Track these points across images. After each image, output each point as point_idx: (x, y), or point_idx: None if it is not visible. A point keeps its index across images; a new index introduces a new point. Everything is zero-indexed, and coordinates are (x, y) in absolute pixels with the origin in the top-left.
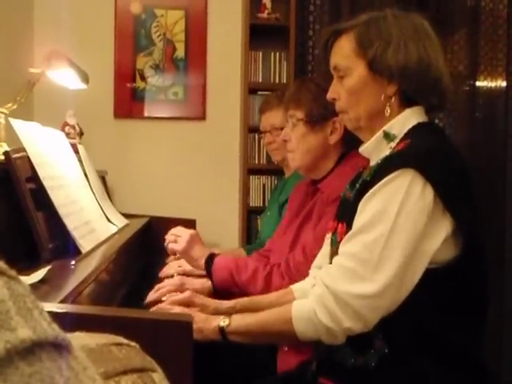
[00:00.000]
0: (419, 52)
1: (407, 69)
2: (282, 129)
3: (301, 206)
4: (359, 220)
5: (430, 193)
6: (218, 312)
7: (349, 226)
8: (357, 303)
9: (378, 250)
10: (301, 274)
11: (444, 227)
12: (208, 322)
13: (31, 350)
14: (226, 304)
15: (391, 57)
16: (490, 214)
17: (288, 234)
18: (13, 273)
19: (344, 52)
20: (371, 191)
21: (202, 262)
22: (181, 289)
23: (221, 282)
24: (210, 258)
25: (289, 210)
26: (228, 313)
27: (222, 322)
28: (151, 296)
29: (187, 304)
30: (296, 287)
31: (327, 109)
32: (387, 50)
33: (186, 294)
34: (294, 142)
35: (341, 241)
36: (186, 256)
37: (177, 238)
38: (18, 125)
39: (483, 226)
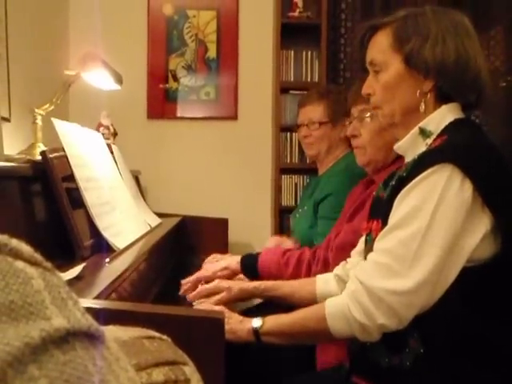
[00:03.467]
0: (457, 48)
1: (444, 65)
2: (319, 123)
3: (357, 209)
4: (395, 216)
5: (468, 188)
6: (243, 292)
7: (384, 223)
8: (391, 299)
9: (415, 246)
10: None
11: (483, 223)
12: (242, 323)
13: (65, 338)
14: (251, 284)
15: (428, 52)
16: None
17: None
18: (48, 264)
19: (381, 47)
20: (408, 187)
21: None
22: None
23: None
24: (251, 257)
25: (343, 215)
26: (253, 293)
27: (256, 323)
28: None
29: (215, 292)
30: (319, 276)
31: None
32: (424, 46)
33: (214, 282)
34: (367, 136)
35: (376, 238)
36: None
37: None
38: (60, 125)
39: None
